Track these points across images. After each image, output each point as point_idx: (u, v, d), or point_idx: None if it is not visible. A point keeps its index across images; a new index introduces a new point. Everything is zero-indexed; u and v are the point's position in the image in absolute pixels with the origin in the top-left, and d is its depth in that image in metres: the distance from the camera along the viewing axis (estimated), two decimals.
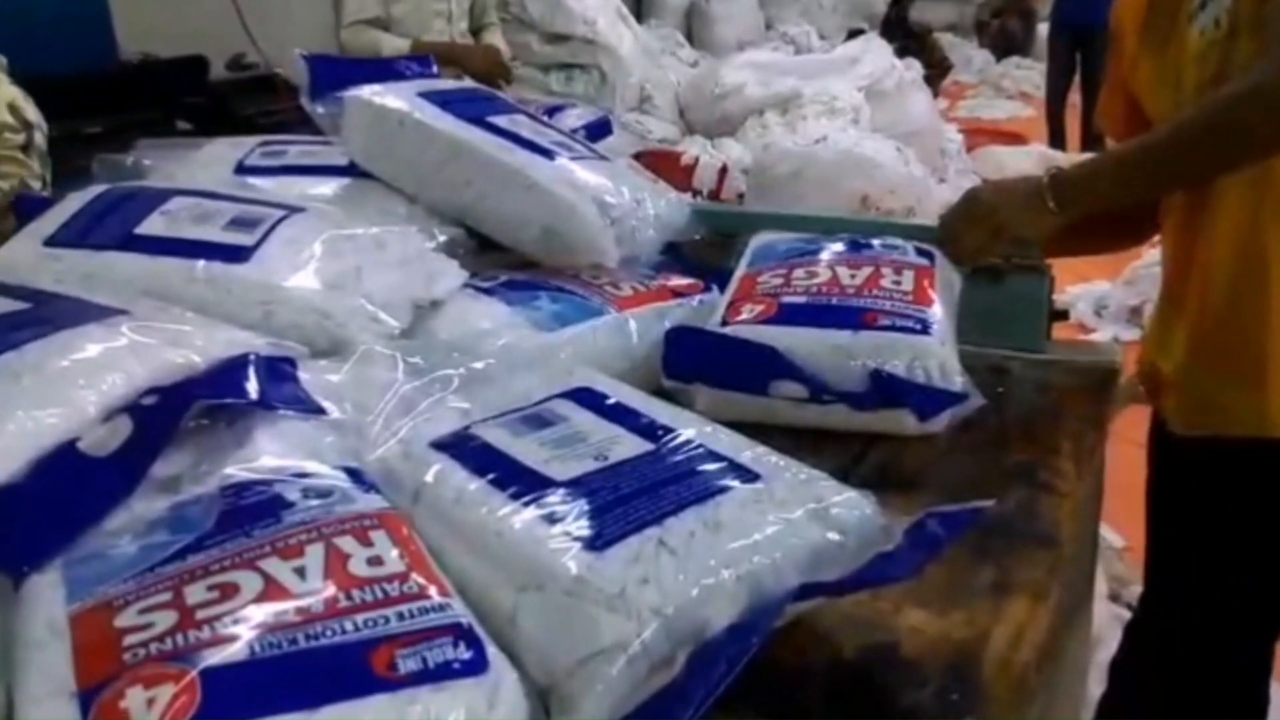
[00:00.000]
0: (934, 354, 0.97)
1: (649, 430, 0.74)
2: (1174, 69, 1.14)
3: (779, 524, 0.66)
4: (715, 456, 0.72)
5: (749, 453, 0.74)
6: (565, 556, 0.61)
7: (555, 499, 0.66)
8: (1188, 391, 1.19)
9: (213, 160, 1.26)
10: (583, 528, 0.63)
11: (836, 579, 0.64)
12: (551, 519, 0.64)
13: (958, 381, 0.97)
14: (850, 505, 0.70)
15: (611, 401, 0.79)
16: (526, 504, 0.65)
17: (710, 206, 1.34)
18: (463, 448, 0.72)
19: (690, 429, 0.75)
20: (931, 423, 0.98)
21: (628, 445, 0.72)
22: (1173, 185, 1.17)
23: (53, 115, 1.82)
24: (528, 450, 0.71)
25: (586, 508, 0.65)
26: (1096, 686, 1.79)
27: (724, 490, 0.68)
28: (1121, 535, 2.26)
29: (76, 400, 0.67)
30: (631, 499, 0.66)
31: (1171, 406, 1.22)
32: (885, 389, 0.96)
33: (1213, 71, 1.09)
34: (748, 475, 0.70)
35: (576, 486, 0.67)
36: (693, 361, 1.00)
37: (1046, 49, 6.53)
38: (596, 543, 0.62)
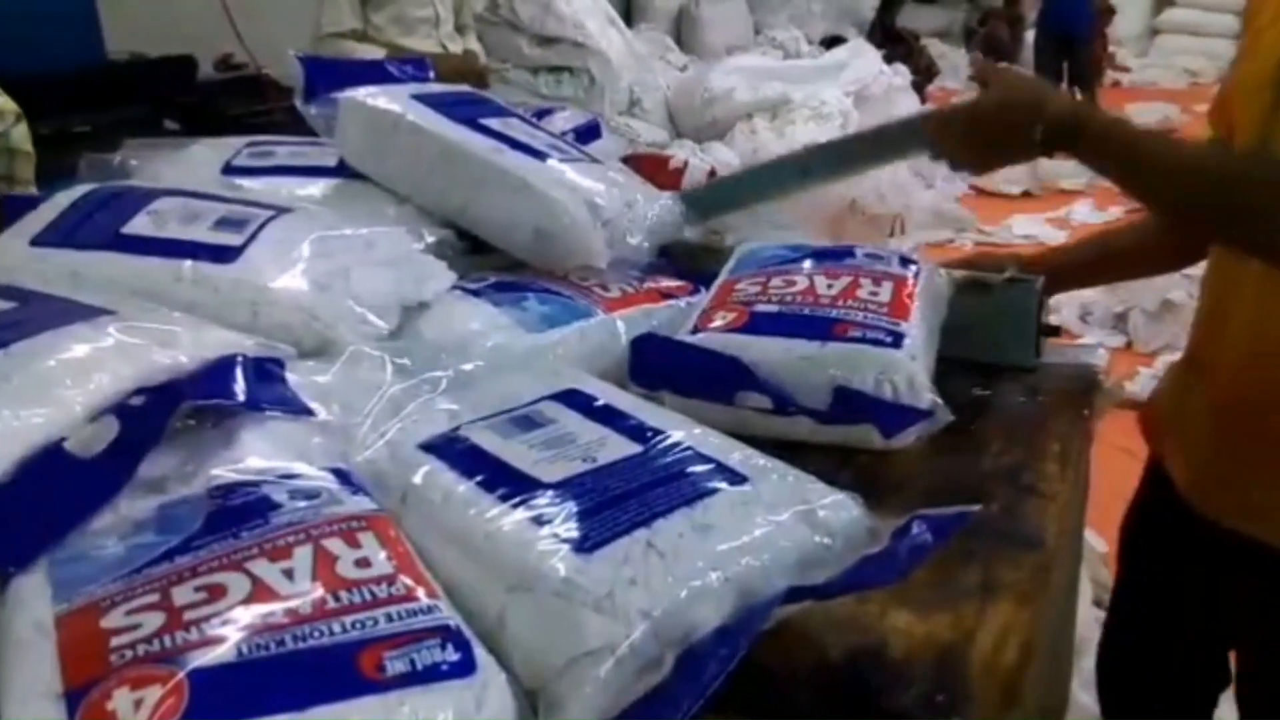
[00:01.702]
0: (902, 368, 0.96)
1: (637, 432, 0.75)
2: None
3: (767, 526, 0.66)
4: (703, 458, 0.72)
5: (737, 455, 0.74)
6: (553, 558, 0.61)
7: (543, 501, 0.66)
8: (1214, 477, 1.07)
9: (200, 160, 1.25)
10: (571, 529, 0.63)
11: (825, 582, 0.64)
12: (540, 521, 0.64)
13: (926, 398, 0.95)
14: (838, 508, 0.70)
15: (600, 403, 0.79)
16: (515, 506, 0.65)
17: (699, 190, 1.34)
18: (451, 449, 0.72)
19: (679, 431, 0.75)
20: (897, 439, 0.97)
21: (616, 447, 0.72)
22: (1165, 214, 1.10)
23: (39, 113, 1.82)
24: (516, 452, 0.71)
25: (575, 509, 0.65)
26: (1081, 691, 1.80)
27: (712, 492, 0.68)
28: (1104, 540, 2.27)
29: (63, 400, 0.67)
30: (620, 501, 0.66)
31: (1189, 482, 1.10)
32: (848, 404, 0.95)
33: None
34: (736, 477, 0.70)
35: (565, 488, 0.67)
36: (657, 369, 0.99)
37: (1033, 57, 6.59)
38: (585, 544, 0.62)
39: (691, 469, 0.70)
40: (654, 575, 0.61)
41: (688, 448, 0.73)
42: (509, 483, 0.68)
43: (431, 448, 0.72)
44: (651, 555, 0.62)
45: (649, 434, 0.74)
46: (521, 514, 0.65)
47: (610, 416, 0.77)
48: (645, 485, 0.68)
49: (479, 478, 0.68)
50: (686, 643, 0.59)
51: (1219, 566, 1.08)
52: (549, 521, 0.64)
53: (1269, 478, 1.02)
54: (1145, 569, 1.18)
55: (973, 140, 1.10)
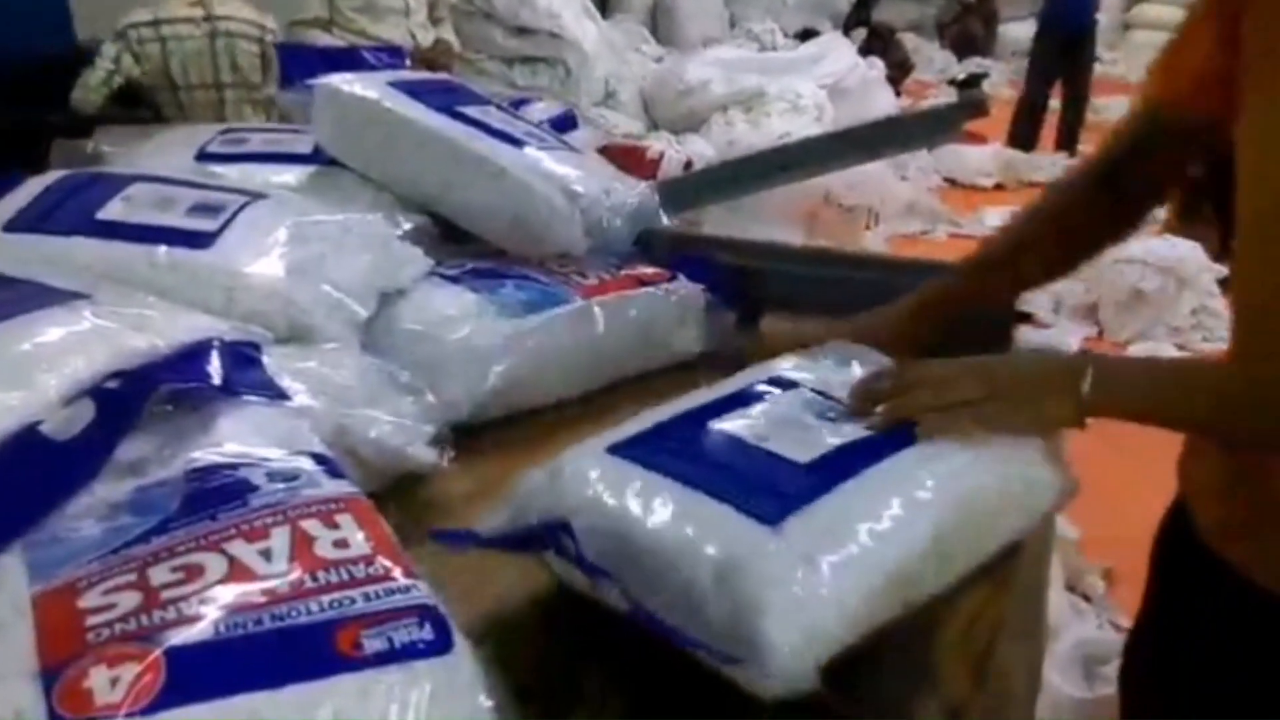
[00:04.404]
0: None
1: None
2: None
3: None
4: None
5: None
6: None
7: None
8: (1231, 525, 0.93)
9: (174, 147, 1.25)
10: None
11: None
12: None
13: None
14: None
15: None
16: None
17: (676, 181, 1.35)
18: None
19: None
20: None
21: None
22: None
23: (8, 100, 1.80)
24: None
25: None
26: (1053, 674, 1.83)
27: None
28: (1076, 527, 2.30)
29: (38, 383, 0.66)
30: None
31: (1206, 528, 0.96)
32: None
33: None
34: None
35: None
36: None
37: (1031, 49, 6.51)
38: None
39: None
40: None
41: None
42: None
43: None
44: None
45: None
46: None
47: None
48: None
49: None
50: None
51: (1235, 613, 0.95)
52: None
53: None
54: (1167, 592, 1.11)
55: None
